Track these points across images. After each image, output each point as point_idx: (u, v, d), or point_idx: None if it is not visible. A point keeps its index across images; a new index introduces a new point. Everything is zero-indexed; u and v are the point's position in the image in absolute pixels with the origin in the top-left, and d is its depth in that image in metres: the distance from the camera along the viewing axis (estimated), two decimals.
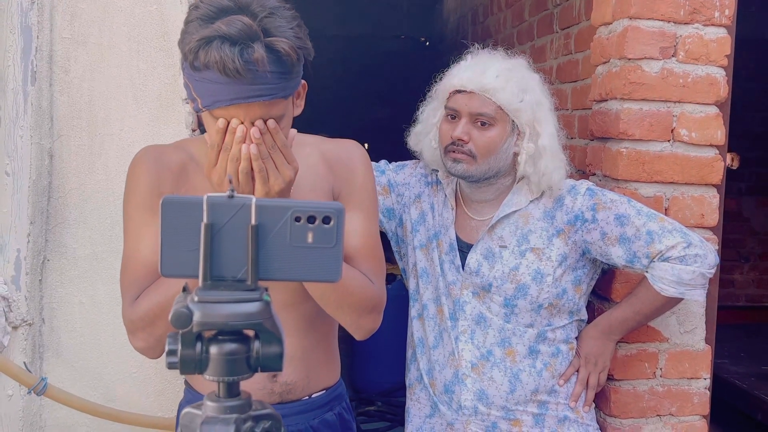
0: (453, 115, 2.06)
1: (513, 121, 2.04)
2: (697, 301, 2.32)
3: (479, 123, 2.03)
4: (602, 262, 2.14)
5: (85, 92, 2.17)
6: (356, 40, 7.14)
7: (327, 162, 1.67)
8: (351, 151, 1.70)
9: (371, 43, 7.27)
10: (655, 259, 2.04)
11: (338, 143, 1.73)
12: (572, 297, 2.11)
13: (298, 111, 1.55)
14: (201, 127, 2.24)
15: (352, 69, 7.18)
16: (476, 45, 2.15)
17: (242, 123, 1.42)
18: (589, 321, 2.23)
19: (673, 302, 2.13)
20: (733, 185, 6.33)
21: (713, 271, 2.08)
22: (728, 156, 6.50)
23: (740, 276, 6.63)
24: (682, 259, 2.02)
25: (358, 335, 1.67)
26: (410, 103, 2.25)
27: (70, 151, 2.18)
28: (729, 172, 6.53)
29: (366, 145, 7.09)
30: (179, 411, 1.81)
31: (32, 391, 2.06)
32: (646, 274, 2.08)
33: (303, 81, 1.52)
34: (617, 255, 2.06)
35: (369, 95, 7.18)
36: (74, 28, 2.15)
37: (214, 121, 1.43)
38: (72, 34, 2.15)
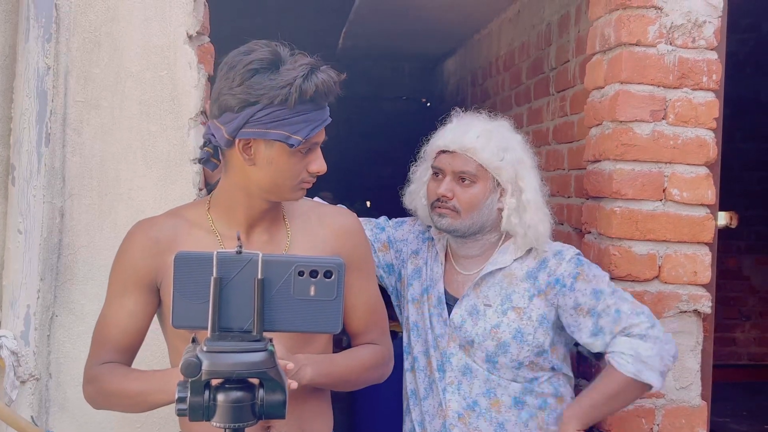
0: (438, 174, 2.17)
1: (495, 178, 2.12)
2: (692, 357, 2.36)
3: (462, 180, 2.12)
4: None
5: (96, 153, 2.25)
6: (360, 101, 7.28)
7: (329, 228, 1.80)
8: (353, 221, 1.85)
9: (374, 104, 7.42)
10: (617, 335, 2.06)
11: (336, 210, 1.88)
12: (550, 356, 2.15)
13: None
14: (208, 186, 2.31)
15: (356, 129, 7.30)
16: (458, 109, 2.25)
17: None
18: (585, 377, 2.26)
19: (633, 388, 2.06)
20: (732, 244, 6.38)
21: (671, 361, 2.08)
22: (727, 215, 6.57)
23: (741, 334, 6.63)
24: (642, 337, 2.04)
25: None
26: (411, 161, 2.34)
27: (80, 210, 2.25)
28: (728, 231, 6.60)
29: (368, 202, 7.17)
30: None
31: None
32: (607, 353, 2.08)
33: None
34: (585, 326, 2.09)
35: (371, 154, 7.30)
36: (87, 92, 2.24)
37: (296, 154, 1.60)
38: (85, 98, 2.24)
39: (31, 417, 2.15)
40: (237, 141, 1.59)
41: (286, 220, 1.77)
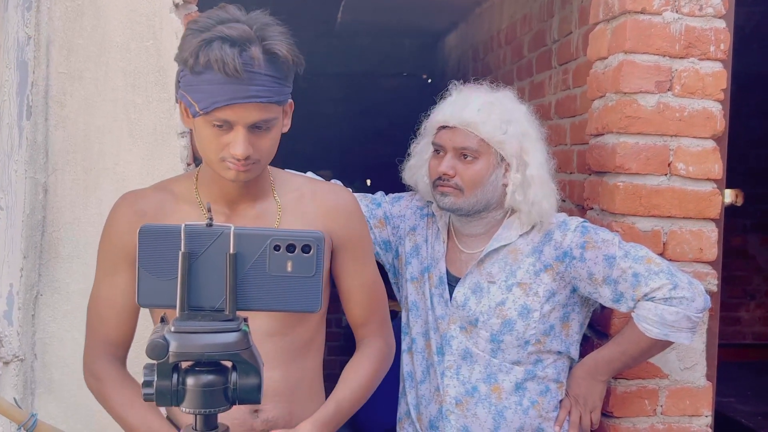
0: (439, 150, 2.08)
1: (499, 153, 2.03)
2: (697, 337, 2.29)
3: (464, 157, 2.03)
4: (593, 300, 2.11)
5: (80, 127, 2.17)
6: (359, 78, 7.18)
7: (321, 205, 1.71)
8: (348, 199, 1.76)
9: (374, 81, 7.31)
10: (640, 300, 2.01)
11: (331, 187, 1.79)
12: (559, 334, 2.08)
13: (285, 129, 1.61)
14: (196, 161, 2.24)
15: (355, 106, 7.21)
16: (457, 82, 2.16)
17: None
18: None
19: (659, 345, 2.06)
20: (737, 222, 6.30)
21: (701, 315, 2.02)
22: (732, 193, 6.50)
23: (746, 313, 6.57)
24: (666, 300, 1.98)
25: None
26: (412, 139, 2.26)
27: (64, 185, 2.18)
28: (733, 209, 6.53)
29: (368, 181, 7.09)
30: None
31: (22, 428, 2.03)
32: (632, 314, 2.05)
33: (291, 100, 1.59)
34: (605, 295, 2.03)
35: (371, 132, 7.20)
36: (70, 63, 2.16)
37: (210, 127, 1.48)
38: (68, 69, 2.16)
39: (14, 399, 2.08)
40: (178, 99, 1.56)
41: (276, 195, 1.69)
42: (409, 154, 2.24)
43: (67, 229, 2.19)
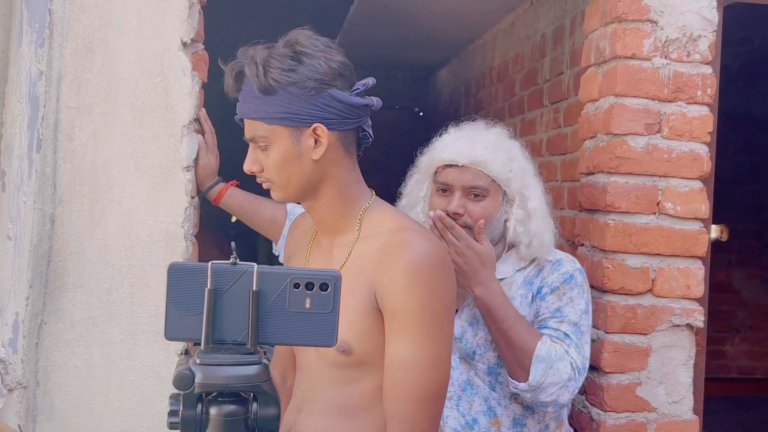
0: (445, 189, 2.09)
1: (504, 190, 2.08)
2: (684, 372, 2.35)
3: (473, 195, 2.05)
4: None
5: (88, 160, 2.23)
6: None
7: (384, 257, 1.51)
8: (416, 259, 1.48)
9: None
10: (552, 335, 2.01)
11: (410, 241, 1.51)
12: None
13: (315, 156, 1.57)
14: (200, 194, 2.30)
15: None
16: (466, 120, 2.21)
17: None
18: (583, 392, 2.25)
19: (519, 352, 1.98)
20: (723, 257, 6.40)
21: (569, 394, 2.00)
22: (718, 228, 6.57)
23: (731, 348, 6.64)
24: (566, 382, 1.97)
25: None
26: (403, 171, 2.28)
27: (71, 216, 2.23)
28: (719, 245, 6.61)
29: None
30: None
31: None
32: (544, 331, 2.03)
33: (317, 124, 1.55)
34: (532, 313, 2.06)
35: (363, 164, 7.28)
36: (80, 98, 2.22)
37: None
38: (78, 104, 2.22)
39: (18, 426, 2.12)
40: None
41: (359, 235, 1.59)
42: (400, 194, 2.24)
43: (72, 260, 2.24)
